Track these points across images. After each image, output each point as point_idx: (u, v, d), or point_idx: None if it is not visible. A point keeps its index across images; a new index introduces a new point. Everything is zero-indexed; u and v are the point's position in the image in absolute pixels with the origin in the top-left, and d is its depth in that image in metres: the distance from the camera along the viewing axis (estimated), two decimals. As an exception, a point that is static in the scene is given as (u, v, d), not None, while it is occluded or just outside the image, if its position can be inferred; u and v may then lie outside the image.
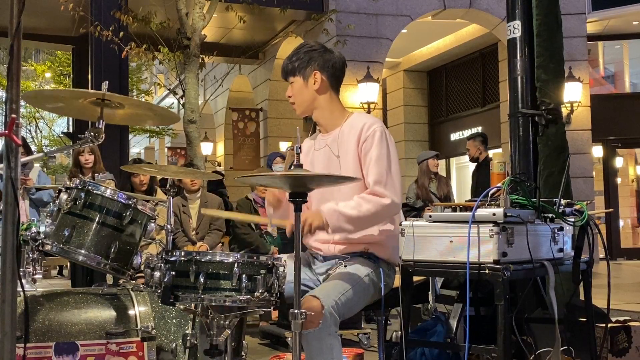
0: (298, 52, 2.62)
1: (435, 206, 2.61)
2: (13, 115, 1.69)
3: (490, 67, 13.07)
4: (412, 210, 6.94)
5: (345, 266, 2.47)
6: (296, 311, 2.06)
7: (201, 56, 8.41)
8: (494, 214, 2.28)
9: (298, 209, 2.13)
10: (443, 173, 14.19)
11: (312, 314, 2.16)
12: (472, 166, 8.19)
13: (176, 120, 2.89)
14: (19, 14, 1.70)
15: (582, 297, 2.82)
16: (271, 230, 6.00)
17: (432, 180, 7.36)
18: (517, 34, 3.61)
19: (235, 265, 2.10)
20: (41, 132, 24.93)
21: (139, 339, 2.56)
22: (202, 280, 2.08)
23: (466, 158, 8.56)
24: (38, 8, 10.11)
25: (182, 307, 2.28)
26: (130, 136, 14.33)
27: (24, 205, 5.36)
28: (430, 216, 2.48)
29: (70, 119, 14.81)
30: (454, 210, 2.50)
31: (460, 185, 14.09)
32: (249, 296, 2.10)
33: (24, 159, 1.99)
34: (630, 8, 12.12)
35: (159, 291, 2.14)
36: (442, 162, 14.18)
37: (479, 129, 13.36)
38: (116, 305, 2.66)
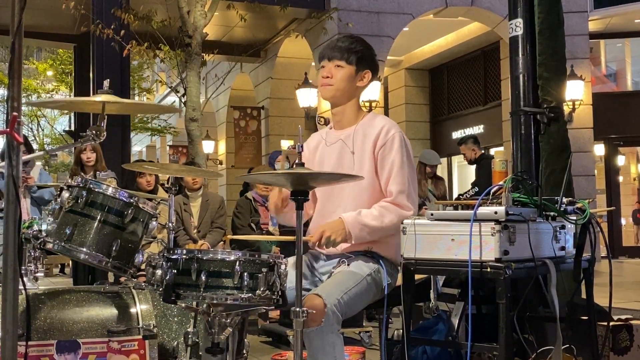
0: (358, 43, 2.61)
1: (436, 204, 2.62)
2: (15, 113, 1.69)
3: (491, 65, 13.06)
4: None
5: (348, 265, 2.46)
6: (298, 309, 2.06)
7: (202, 54, 8.41)
8: (495, 212, 2.28)
9: (300, 207, 2.13)
10: (445, 172, 14.20)
11: (315, 312, 2.15)
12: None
13: (175, 111, 2.89)
14: (21, 12, 1.70)
15: (583, 296, 2.81)
16: (272, 230, 6.00)
17: (430, 180, 7.38)
18: (519, 31, 3.61)
19: (237, 263, 2.10)
20: (43, 130, 24.96)
21: (140, 337, 2.56)
22: (203, 278, 2.08)
23: (468, 156, 8.60)
24: (39, 6, 10.12)
25: (183, 305, 2.28)
26: (132, 134, 14.33)
27: (25, 203, 5.37)
28: (432, 214, 2.48)
29: (72, 117, 14.82)
30: (456, 208, 2.50)
31: (461, 184, 14.09)
32: (250, 294, 2.10)
33: (24, 157, 1.99)
34: (633, 6, 12.10)
35: (161, 289, 2.14)
36: (444, 161, 14.17)
37: (481, 127, 13.37)
38: (118, 304, 2.66)
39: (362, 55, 2.60)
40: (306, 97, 11.34)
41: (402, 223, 2.46)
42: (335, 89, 2.59)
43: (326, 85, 2.60)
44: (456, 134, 14.03)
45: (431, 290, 3.53)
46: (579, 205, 2.62)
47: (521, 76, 3.61)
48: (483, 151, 7.75)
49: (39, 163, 6.40)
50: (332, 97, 2.62)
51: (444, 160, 14.17)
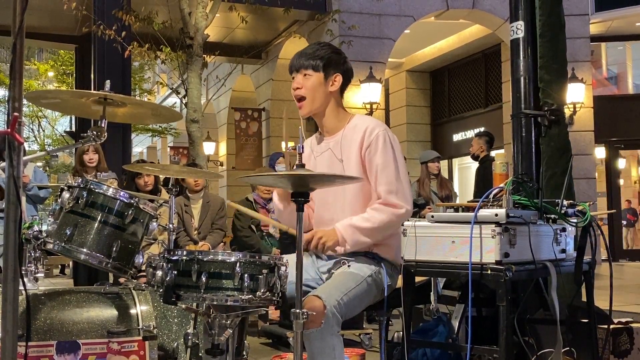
0: (324, 49, 2.59)
1: (438, 206, 2.62)
2: (15, 114, 1.69)
3: (493, 68, 13.06)
4: (413, 206, 6.90)
5: (348, 266, 2.46)
6: (298, 311, 2.06)
7: (204, 56, 8.41)
8: (496, 215, 2.28)
9: (300, 209, 2.13)
10: (445, 174, 14.20)
11: (315, 313, 2.15)
12: (475, 166, 8.19)
13: (178, 118, 2.87)
14: (22, 13, 1.70)
15: (584, 299, 2.81)
16: (273, 232, 5.99)
17: (433, 180, 7.35)
18: (520, 34, 3.61)
19: (237, 264, 2.10)
20: (44, 131, 24.97)
21: (140, 338, 2.56)
22: (204, 279, 2.08)
23: (468, 159, 8.57)
24: (41, 7, 10.13)
25: (183, 306, 2.28)
26: (133, 135, 14.33)
27: (22, 201, 5.37)
28: (432, 216, 2.48)
29: (73, 117, 14.82)
30: (457, 210, 2.50)
31: (462, 186, 14.08)
32: (250, 296, 2.10)
33: (25, 158, 1.99)
34: (634, 9, 12.11)
35: (161, 290, 2.14)
36: (445, 163, 14.17)
37: (482, 129, 13.36)
38: (118, 304, 2.66)
39: (329, 59, 2.57)
40: (307, 99, 11.32)
41: (397, 222, 2.46)
42: (310, 100, 2.56)
43: (298, 99, 2.58)
44: (457, 137, 14.03)
45: (431, 293, 3.53)
46: (579, 207, 2.62)
47: (522, 79, 3.61)
48: (487, 153, 7.73)
49: (31, 162, 6.40)
50: (309, 112, 2.58)
51: (445, 162, 14.17)
